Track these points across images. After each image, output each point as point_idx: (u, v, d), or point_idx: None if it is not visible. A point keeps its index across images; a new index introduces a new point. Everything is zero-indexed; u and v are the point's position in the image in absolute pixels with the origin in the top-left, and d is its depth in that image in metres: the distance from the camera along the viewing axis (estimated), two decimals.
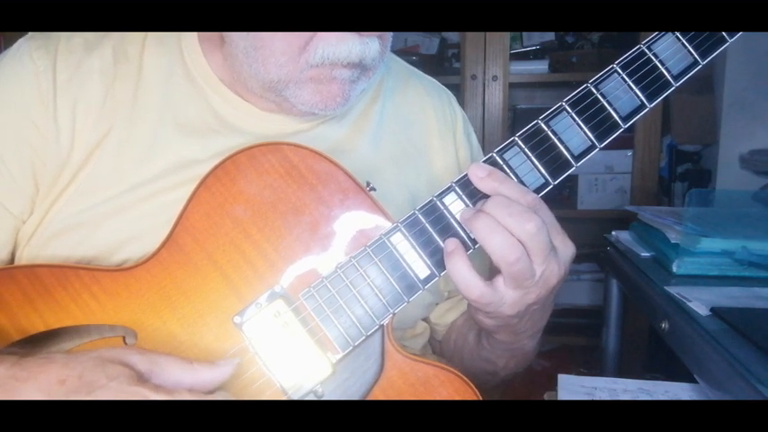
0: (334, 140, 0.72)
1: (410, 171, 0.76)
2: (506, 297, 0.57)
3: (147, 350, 0.52)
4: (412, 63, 0.86)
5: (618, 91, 0.60)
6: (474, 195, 0.58)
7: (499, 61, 1.84)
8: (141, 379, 0.49)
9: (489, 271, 0.60)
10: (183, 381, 0.50)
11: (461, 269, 0.56)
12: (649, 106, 0.60)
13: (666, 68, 0.60)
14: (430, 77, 0.86)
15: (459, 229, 0.58)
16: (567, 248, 0.58)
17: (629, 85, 0.60)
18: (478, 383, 0.81)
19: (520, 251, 0.54)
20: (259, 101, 0.69)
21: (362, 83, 0.66)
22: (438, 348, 0.87)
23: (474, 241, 0.57)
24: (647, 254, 1.13)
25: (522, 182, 0.59)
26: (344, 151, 0.72)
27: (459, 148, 0.82)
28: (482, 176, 0.57)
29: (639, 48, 0.60)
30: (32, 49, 0.67)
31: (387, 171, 0.73)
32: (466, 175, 0.59)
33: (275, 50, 0.61)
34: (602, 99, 0.60)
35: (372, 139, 0.74)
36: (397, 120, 0.78)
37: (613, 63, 0.61)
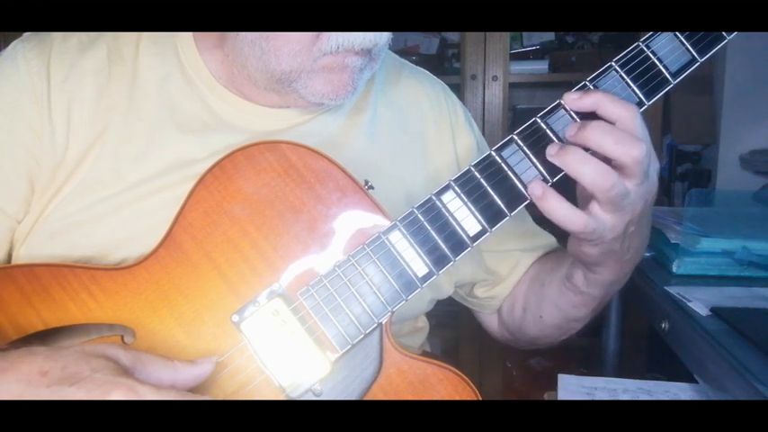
0: (331, 134, 0.72)
1: (406, 164, 0.76)
2: (606, 221, 0.58)
3: (130, 347, 0.52)
4: (412, 63, 0.86)
5: (616, 88, 0.59)
6: (472, 193, 0.58)
7: (499, 61, 1.83)
8: (126, 372, 0.48)
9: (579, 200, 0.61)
10: (162, 378, 0.50)
11: (558, 208, 0.57)
12: (647, 104, 0.60)
13: (664, 66, 0.60)
14: (422, 69, 0.85)
15: (457, 227, 0.58)
16: (655, 163, 0.59)
17: (626, 83, 0.60)
18: (555, 339, 0.79)
19: (613, 177, 0.55)
20: (259, 96, 0.69)
21: (368, 72, 0.67)
22: (494, 322, 0.86)
23: (553, 175, 0.58)
24: (647, 254, 1.12)
25: (520, 179, 0.59)
26: (341, 146, 0.71)
27: (461, 139, 0.81)
28: (576, 98, 0.58)
29: (638, 45, 0.60)
30: (26, 50, 0.67)
31: (383, 165, 0.73)
32: (464, 173, 0.59)
33: (289, 39, 0.61)
34: None
35: (368, 131, 0.74)
36: (392, 111, 0.78)
37: (611, 61, 0.60)
